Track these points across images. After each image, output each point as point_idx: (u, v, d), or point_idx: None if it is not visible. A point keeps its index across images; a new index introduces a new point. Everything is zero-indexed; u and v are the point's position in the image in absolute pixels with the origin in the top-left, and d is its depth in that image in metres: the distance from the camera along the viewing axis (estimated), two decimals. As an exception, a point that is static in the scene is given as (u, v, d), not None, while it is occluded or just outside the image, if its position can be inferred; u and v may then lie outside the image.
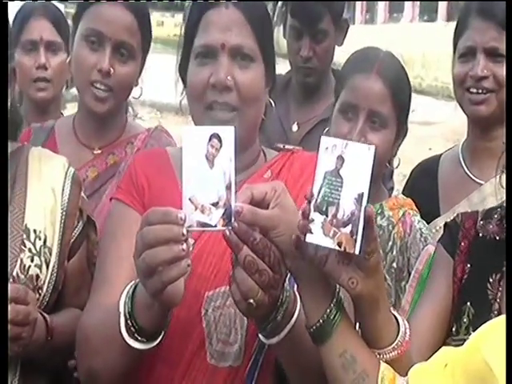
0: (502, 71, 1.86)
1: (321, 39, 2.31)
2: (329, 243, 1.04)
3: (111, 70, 1.81)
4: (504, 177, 1.48)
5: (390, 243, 1.74)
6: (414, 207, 1.82)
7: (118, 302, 1.19)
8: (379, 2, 25.63)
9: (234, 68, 1.34)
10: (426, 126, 12.51)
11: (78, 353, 1.35)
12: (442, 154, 2.13)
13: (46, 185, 1.53)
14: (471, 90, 1.90)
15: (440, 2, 20.98)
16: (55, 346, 1.46)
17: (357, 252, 1.04)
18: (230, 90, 1.34)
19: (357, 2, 27.66)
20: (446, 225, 1.53)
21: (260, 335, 1.20)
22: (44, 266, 1.47)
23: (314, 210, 1.05)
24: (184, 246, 1.04)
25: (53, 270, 1.49)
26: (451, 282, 1.41)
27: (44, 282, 1.46)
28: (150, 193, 1.42)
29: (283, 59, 2.41)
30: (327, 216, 1.04)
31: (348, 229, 1.04)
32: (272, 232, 1.08)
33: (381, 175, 1.83)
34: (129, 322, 1.17)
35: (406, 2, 23.37)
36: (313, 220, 1.05)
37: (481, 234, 1.44)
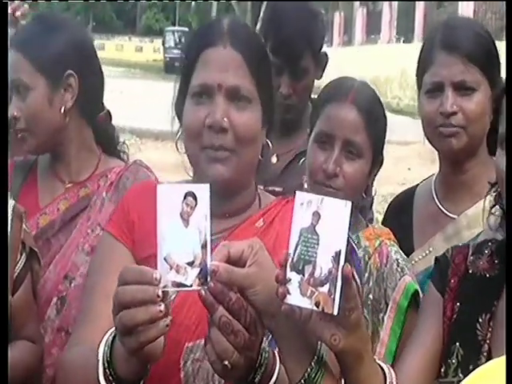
0: (470, 106, 1.86)
1: (301, 77, 2.29)
2: (306, 303, 1.02)
3: (15, 113, 1.81)
4: (492, 217, 1.46)
5: (367, 274, 1.72)
6: (392, 237, 1.81)
7: (97, 349, 1.16)
8: (357, 24, 25.95)
9: (230, 109, 1.33)
10: (404, 145, 12.59)
11: None
12: (417, 186, 2.12)
13: None
14: (441, 126, 1.89)
15: (416, 24, 21.30)
16: (11, 381, 1.43)
17: (335, 312, 1.02)
18: (226, 131, 1.32)
19: (335, 25, 27.99)
20: (436, 259, 1.50)
21: None
22: None
23: (291, 270, 1.03)
24: (162, 306, 1.02)
25: None
26: (441, 321, 1.39)
27: None
28: (140, 229, 1.40)
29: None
30: (304, 275, 1.02)
31: (326, 288, 1.01)
32: (249, 291, 1.06)
33: (357, 206, 1.83)
34: (107, 370, 1.14)
35: (383, 24, 23.68)
36: (290, 280, 1.03)
37: (470, 271, 1.41)
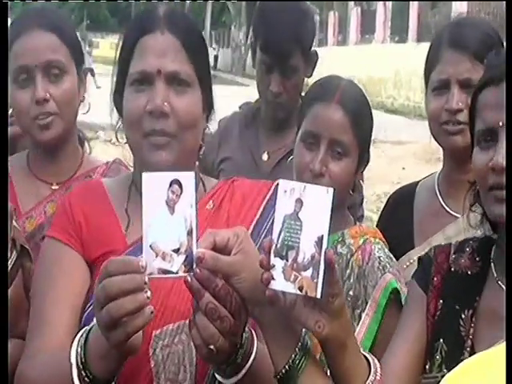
0: None
1: (291, 75, 2.30)
2: (290, 288, 1.04)
3: (47, 95, 1.77)
4: (472, 215, 1.48)
5: (348, 271, 1.73)
6: (379, 236, 1.82)
7: (69, 351, 1.15)
8: (351, 24, 25.97)
9: (170, 94, 1.33)
10: (398, 145, 12.63)
11: None
12: (419, 182, 2.11)
13: None
14: (447, 123, 1.89)
15: (410, 23, 21.33)
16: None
17: (318, 296, 1.03)
18: (167, 116, 1.32)
19: (329, 24, 28.00)
20: (419, 259, 1.52)
21: (217, 376, 1.18)
22: None
23: (275, 256, 1.04)
24: (148, 293, 1.03)
25: None
26: (425, 319, 1.40)
27: None
28: (87, 229, 1.39)
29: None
30: (287, 260, 1.04)
31: (309, 272, 1.03)
32: (234, 278, 1.07)
33: (344, 203, 1.84)
34: (82, 372, 1.13)
35: (377, 24, 23.70)
36: (274, 266, 1.04)
37: (453, 269, 1.43)
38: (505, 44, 1.77)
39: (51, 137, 1.82)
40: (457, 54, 1.87)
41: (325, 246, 1.03)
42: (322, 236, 1.03)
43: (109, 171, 1.90)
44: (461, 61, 1.87)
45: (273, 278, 1.04)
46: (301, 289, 1.03)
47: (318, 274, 1.03)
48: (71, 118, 1.86)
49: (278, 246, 1.04)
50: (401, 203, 2.08)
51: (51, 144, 1.85)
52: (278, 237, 1.04)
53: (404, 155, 11.49)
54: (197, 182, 1.41)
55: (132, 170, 1.88)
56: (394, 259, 1.78)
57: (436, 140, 1.96)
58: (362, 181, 1.92)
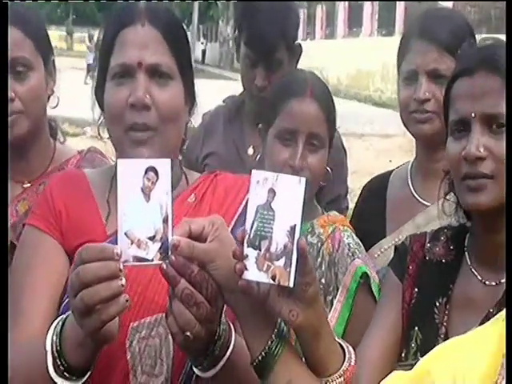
0: (442, 93, 1.89)
1: (275, 69, 2.31)
2: (263, 278, 1.04)
3: (12, 94, 1.71)
4: (447, 204, 1.50)
5: (319, 259, 1.75)
6: (347, 223, 1.85)
7: (44, 339, 1.15)
8: (339, 17, 25.95)
9: (152, 86, 1.32)
10: (386, 138, 12.64)
11: None
12: (392, 171, 2.14)
13: None
14: (415, 112, 1.93)
15: (397, 17, 21.35)
16: None
17: (291, 285, 1.04)
18: (149, 108, 1.31)
19: (317, 18, 27.97)
20: (395, 248, 1.54)
21: (195, 369, 1.18)
22: None
23: (248, 246, 1.05)
24: (123, 281, 1.03)
25: None
26: (400, 307, 1.42)
27: None
28: (67, 218, 1.38)
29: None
30: (260, 250, 1.04)
31: (281, 262, 1.04)
32: (209, 265, 1.08)
33: (314, 194, 1.86)
34: (58, 360, 1.13)
35: (364, 17, 23.71)
36: (247, 256, 1.04)
37: (428, 257, 1.45)
38: (505, 44, 1.79)
39: (16, 135, 1.76)
40: (424, 44, 1.89)
41: (297, 235, 1.04)
42: (295, 225, 1.04)
43: (83, 161, 1.86)
44: (428, 51, 1.89)
45: (246, 269, 1.05)
46: (274, 278, 1.04)
47: (290, 263, 1.03)
48: (38, 114, 1.81)
49: (251, 236, 1.05)
50: (374, 193, 2.10)
51: (18, 142, 1.78)
52: (251, 227, 1.05)
53: (391, 148, 11.50)
54: (179, 176, 1.42)
55: (109, 159, 1.85)
56: (362, 245, 1.80)
57: (407, 128, 1.99)
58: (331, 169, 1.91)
